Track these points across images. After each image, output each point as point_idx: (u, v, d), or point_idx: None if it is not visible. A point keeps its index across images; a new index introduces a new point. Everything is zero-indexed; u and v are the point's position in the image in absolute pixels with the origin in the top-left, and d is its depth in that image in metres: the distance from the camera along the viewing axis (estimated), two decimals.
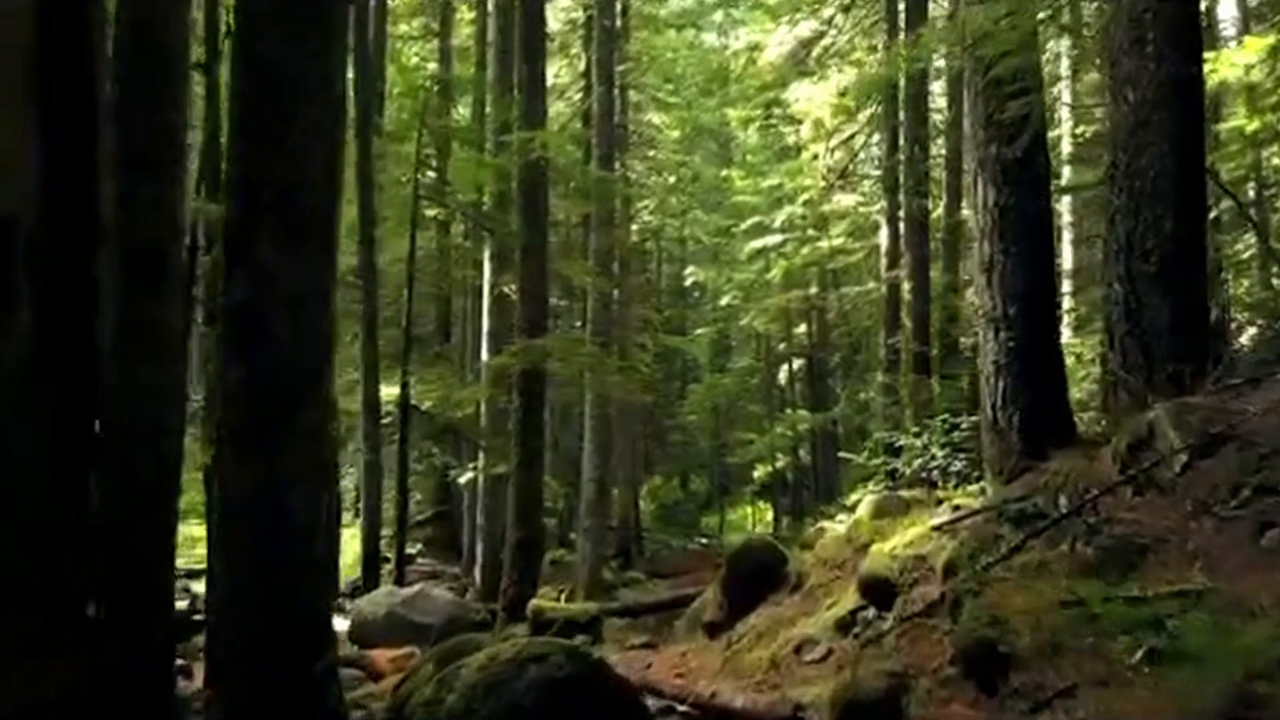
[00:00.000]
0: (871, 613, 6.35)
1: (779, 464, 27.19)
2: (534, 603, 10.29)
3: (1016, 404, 7.08)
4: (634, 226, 27.46)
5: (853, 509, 20.50)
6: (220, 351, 4.05)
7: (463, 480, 16.26)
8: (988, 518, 6.53)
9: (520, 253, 11.73)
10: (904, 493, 14.12)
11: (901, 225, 17.51)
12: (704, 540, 30.08)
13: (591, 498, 18.12)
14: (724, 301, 28.36)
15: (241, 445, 4.05)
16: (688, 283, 33.28)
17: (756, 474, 28.68)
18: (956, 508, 7.09)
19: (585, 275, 15.13)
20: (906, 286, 16.95)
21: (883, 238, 18.38)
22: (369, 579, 13.16)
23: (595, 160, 18.29)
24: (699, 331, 31.84)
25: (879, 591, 6.43)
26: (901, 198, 16.99)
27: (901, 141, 17.25)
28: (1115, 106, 8.03)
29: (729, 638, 8.32)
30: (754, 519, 30.35)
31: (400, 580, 13.04)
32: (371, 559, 13.07)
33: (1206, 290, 8.10)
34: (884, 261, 18.14)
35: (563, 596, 18.28)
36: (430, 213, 16.36)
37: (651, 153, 26.66)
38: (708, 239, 29.53)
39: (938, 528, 6.81)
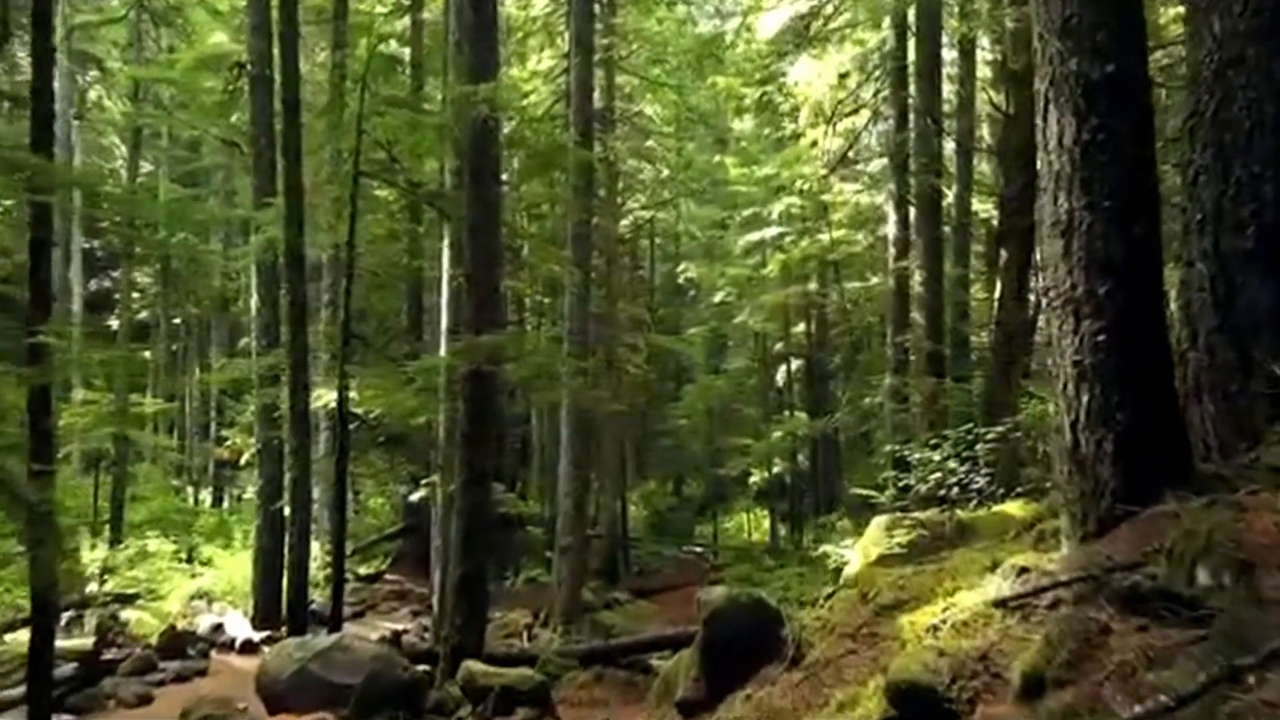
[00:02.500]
0: None
1: (775, 469, 24.95)
2: (467, 666, 8.05)
3: (1109, 423, 4.83)
4: (624, 222, 25.26)
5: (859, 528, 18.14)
6: None
7: (414, 498, 14.08)
8: (1079, 592, 4.29)
9: (467, 234, 9.52)
10: (920, 514, 11.93)
11: (912, 211, 15.28)
12: (698, 549, 27.94)
13: (569, 513, 15.94)
14: (718, 299, 26.10)
15: None
16: (681, 280, 31.04)
17: (753, 479, 26.42)
18: (1023, 571, 4.84)
19: (554, 262, 12.84)
20: (917, 278, 14.72)
21: (890, 225, 16.14)
22: (296, 619, 10.87)
23: (573, 139, 16.08)
24: (692, 331, 29.62)
25: (920, 707, 4.18)
26: (912, 179, 14.74)
27: (912, 118, 14.98)
28: (1198, 41, 5.79)
29: None
30: (750, 527, 28.12)
31: (336, 621, 10.81)
32: (298, 595, 10.80)
33: None
34: (891, 251, 15.90)
35: (535, 624, 16.11)
36: (381, 193, 14.25)
37: (648, 143, 24.34)
38: (701, 233, 27.30)
39: (1001, 604, 4.57)
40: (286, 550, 11.13)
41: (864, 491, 12.23)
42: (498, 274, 9.73)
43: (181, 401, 28.56)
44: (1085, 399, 4.89)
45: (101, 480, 20.43)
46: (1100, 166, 4.96)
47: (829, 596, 7.48)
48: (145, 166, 30.03)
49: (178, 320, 28.78)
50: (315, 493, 19.56)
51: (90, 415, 19.45)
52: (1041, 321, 21.62)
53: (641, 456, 34.27)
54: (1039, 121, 5.33)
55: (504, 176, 23.71)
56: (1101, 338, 4.88)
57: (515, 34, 22.91)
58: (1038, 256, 21.64)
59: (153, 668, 12.12)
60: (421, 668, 10.76)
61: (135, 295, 30.55)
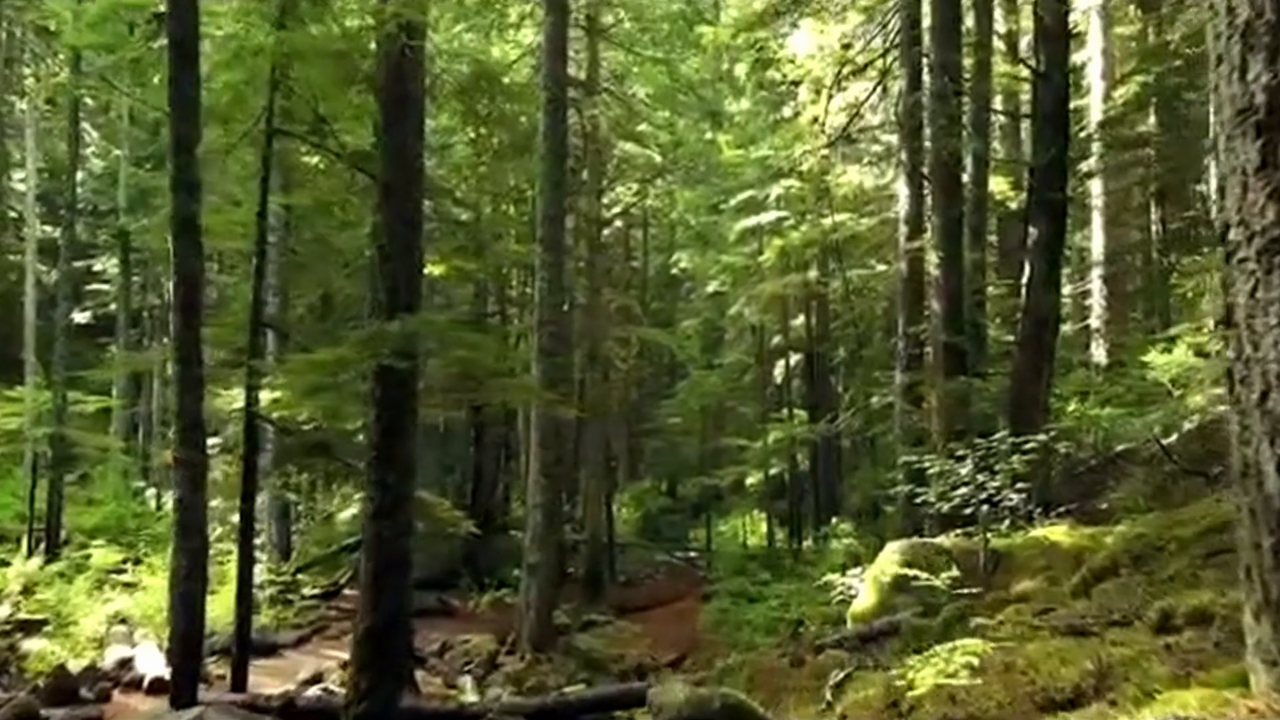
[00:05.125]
0: None
1: (773, 471, 22.72)
2: None
3: None
4: (615, 209, 23.02)
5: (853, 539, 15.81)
6: None
7: (344, 516, 11.93)
8: None
9: (380, 195, 7.34)
10: (944, 540, 9.73)
11: (926, 185, 13.07)
12: (692, 553, 25.74)
13: (539, 526, 13.79)
14: (711, 289, 23.85)
15: None
16: (676, 271, 28.81)
17: (750, 481, 24.16)
18: None
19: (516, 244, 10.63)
20: (933, 260, 12.51)
21: (902, 201, 13.92)
22: (180, 680, 8.49)
23: (543, 106, 13.89)
24: (686, 323, 27.39)
25: None
26: (928, 144, 12.52)
27: (927, 77, 12.75)
28: None
29: None
30: (746, 531, 25.89)
31: (241, 676, 8.62)
32: (184, 647, 8.48)
33: None
34: (903, 230, 13.67)
35: (501, 651, 13.96)
36: (312, 159, 12.16)
37: (641, 127, 22.01)
38: (695, 219, 25.02)
39: None
40: (181, 579, 8.92)
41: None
42: (417, 246, 7.57)
43: (148, 399, 26.40)
44: None
45: (41, 483, 18.26)
46: None
47: (838, 685, 5.31)
48: (116, 152, 28.01)
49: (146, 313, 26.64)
50: (263, 500, 17.41)
51: (23, 413, 17.33)
52: (1095, 300, 19.40)
53: (634, 455, 32.09)
54: None
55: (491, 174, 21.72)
56: None
57: (494, 4, 20.72)
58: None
59: (33, 717, 9.91)
60: None
61: (103, 285, 28.54)
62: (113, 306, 27.52)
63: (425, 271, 16.19)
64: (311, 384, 8.16)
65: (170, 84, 8.52)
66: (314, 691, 10.14)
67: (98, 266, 29.54)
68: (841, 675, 5.01)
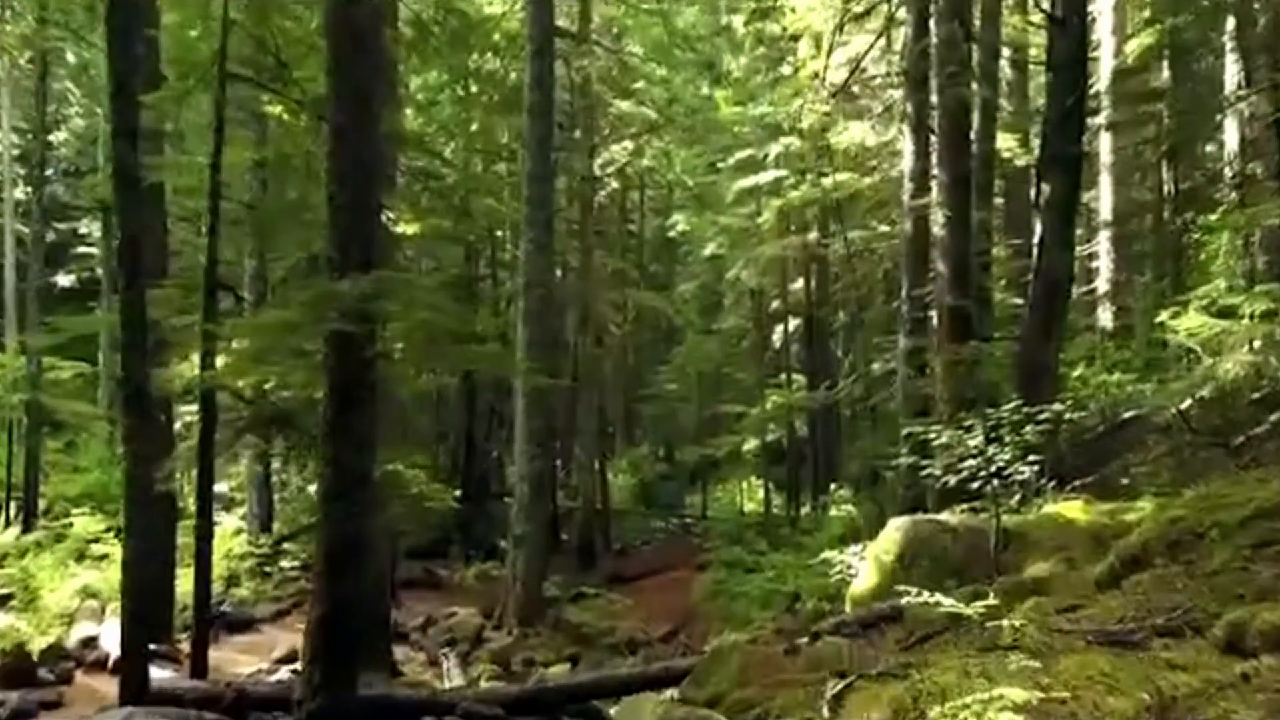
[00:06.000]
0: None
1: (771, 437, 22.02)
2: None
3: None
4: (610, 169, 22.13)
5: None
6: None
7: (312, 489, 11.26)
8: None
9: (331, 136, 6.56)
10: (950, 518, 9.04)
11: (932, 139, 12.23)
12: (688, 520, 25.15)
13: (526, 499, 13.14)
14: (708, 251, 23.00)
15: None
16: (672, 233, 27.90)
17: (747, 447, 23.47)
18: None
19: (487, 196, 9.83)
20: (939, 219, 11.68)
21: (906, 156, 13.09)
22: (135, 669, 7.74)
23: (529, 56, 13.03)
24: (683, 287, 26.55)
25: None
26: (935, 96, 11.66)
27: (934, 24, 11.86)
28: None
29: None
30: (743, 496, 25.25)
31: (200, 659, 7.99)
32: (138, 632, 7.74)
33: None
34: (908, 188, 12.85)
35: (487, 626, 13.37)
36: (276, 109, 11.35)
37: (636, 85, 21.02)
38: (691, 178, 24.10)
39: None
40: (133, 562, 8.25)
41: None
42: (375, 196, 6.79)
43: None
44: None
45: (19, 451, 17.64)
46: None
47: (838, 695, 4.60)
48: (98, 110, 27.01)
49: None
50: (243, 470, 16.76)
51: None
52: (1103, 263, 18.61)
53: (631, 420, 31.42)
54: None
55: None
56: None
57: None
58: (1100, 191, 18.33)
59: None
60: None
61: (89, 249, 27.72)
62: (99, 270, 26.71)
63: (409, 233, 15.50)
64: (258, 349, 7.43)
65: (106, 18, 7.70)
66: (283, 673, 9.52)
67: (82, 229, 28.69)
68: (841, 685, 4.30)
